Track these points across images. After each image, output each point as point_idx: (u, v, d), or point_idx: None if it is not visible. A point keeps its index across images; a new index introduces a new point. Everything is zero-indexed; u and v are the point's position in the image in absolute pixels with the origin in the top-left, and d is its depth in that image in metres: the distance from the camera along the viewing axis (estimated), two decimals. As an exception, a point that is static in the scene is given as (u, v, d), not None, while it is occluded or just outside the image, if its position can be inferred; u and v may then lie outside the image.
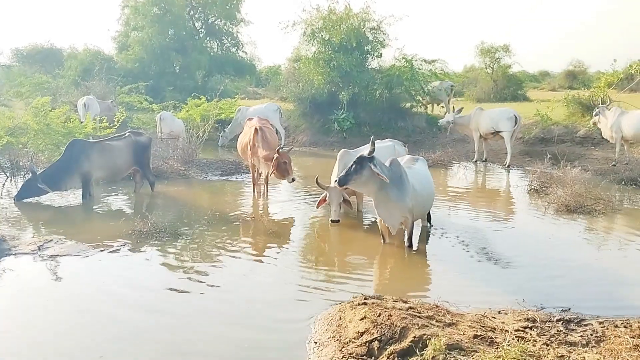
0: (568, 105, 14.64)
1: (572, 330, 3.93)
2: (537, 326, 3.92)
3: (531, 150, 12.98)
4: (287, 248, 6.37)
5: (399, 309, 4.03)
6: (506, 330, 3.79)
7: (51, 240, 6.43)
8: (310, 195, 9.06)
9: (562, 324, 4.01)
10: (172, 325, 4.37)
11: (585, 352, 3.52)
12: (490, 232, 6.96)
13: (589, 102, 13.66)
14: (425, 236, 6.76)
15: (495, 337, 3.65)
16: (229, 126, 15.30)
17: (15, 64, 27.10)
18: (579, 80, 27.04)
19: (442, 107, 17.79)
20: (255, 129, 8.65)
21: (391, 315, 3.85)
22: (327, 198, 7.13)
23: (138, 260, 5.95)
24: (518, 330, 3.83)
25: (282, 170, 8.15)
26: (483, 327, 3.84)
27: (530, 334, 3.76)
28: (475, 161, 12.57)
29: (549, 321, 4.05)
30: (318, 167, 10.88)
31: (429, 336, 3.54)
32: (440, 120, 13.49)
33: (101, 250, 6.11)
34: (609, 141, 11.36)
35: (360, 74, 15.56)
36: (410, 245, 6.11)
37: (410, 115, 16.22)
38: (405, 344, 3.54)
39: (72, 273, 5.54)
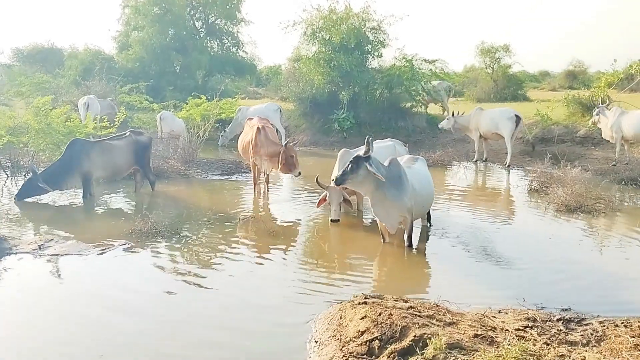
0: (568, 105, 14.64)
1: (573, 329, 3.93)
2: (538, 325, 3.93)
3: (531, 150, 12.97)
4: (287, 247, 6.37)
5: (400, 308, 4.03)
6: (506, 330, 3.79)
7: (52, 239, 6.43)
8: (311, 194, 9.07)
9: (562, 323, 4.01)
10: (172, 324, 4.37)
11: (586, 351, 3.52)
12: (491, 232, 6.97)
13: (589, 102, 13.68)
14: (425, 236, 6.77)
15: (496, 337, 3.65)
16: (230, 126, 15.31)
17: (15, 63, 27.10)
18: (579, 80, 27.06)
19: (441, 107, 17.79)
20: (258, 128, 8.69)
21: (392, 315, 3.86)
22: (327, 197, 7.15)
23: (138, 259, 5.95)
24: (518, 329, 3.83)
25: (289, 164, 8.33)
26: (483, 326, 3.84)
27: (531, 334, 3.76)
28: (476, 161, 12.58)
29: (550, 320, 4.05)
30: (318, 166, 10.88)
31: (429, 335, 3.55)
32: (441, 124, 13.48)
33: (102, 250, 6.11)
34: (609, 141, 11.36)
35: (361, 74, 15.57)
36: (410, 245, 6.12)
37: (410, 115, 16.22)
38: (405, 343, 3.55)
39: (72, 272, 5.55)
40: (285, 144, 8.46)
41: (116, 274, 5.50)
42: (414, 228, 6.21)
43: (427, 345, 3.47)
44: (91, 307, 4.69)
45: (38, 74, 21.59)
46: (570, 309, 4.39)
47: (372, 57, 16.38)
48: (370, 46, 16.07)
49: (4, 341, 4.14)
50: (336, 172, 6.98)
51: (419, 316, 3.90)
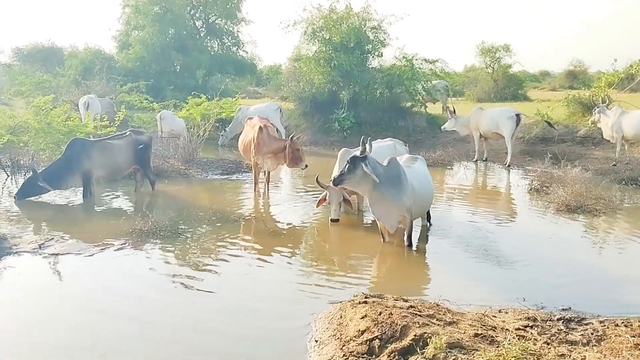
0: (568, 105, 14.64)
1: (573, 329, 3.93)
2: (538, 325, 3.93)
3: (532, 149, 12.97)
4: (287, 247, 6.37)
5: (400, 307, 4.03)
6: (507, 329, 3.79)
7: (52, 238, 6.43)
8: (311, 194, 9.07)
9: (562, 323, 4.01)
10: (172, 324, 4.37)
11: (586, 350, 3.52)
12: (491, 231, 6.96)
13: (589, 102, 13.67)
14: (425, 235, 6.77)
15: (496, 336, 3.65)
16: (230, 125, 15.31)
17: (15, 62, 27.13)
18: (579, 80, 27.07)
19: (443, 106, 17.79)
20: (260, 127, 8.73)
21: (392, 314, 3.86)
22: (327, 197, 7.15)
23: (139, 259, 5.95)
24: (519, 329, 3.83)
25: (296, 158, 8.47)
26: (484, 325, 3.84)
27: (531, 333, 3.76)
28: (476, 161, 12.58)
29: (550, 320, 4.05)
30: (318, 166, 10.86)
31: (429, 335, 3.55)
32: (444, 126, 13.46)
33: (102, 249, 6.12)
34: (609, 141, 11.36)
35: (361, 74, 15.57)
36: (410, 245, 6.12)
37: (410, 115, 16.22)
38: (406, 342, 3.55)
39: (72, 272, 5.55)
40: (291, 138, 8.58)
41: (116, 274, 5.50)
42: (413, 227, 6.21)
43: (427, 345, 3.47)
44: (91, 306, 4.69)
45: (38, 73, 21.60)
46: (570, 308, 4.38)
47: (373, 56, 16.39)
48: (370, 46, 16.07)
49: (3, 340, 4.14)
50: (336, 172, 6.98)
51: (419, 315, 3.90)
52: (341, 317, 4.16)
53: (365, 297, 4.34)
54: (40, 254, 5.92)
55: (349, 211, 7.58)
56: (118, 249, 6.14)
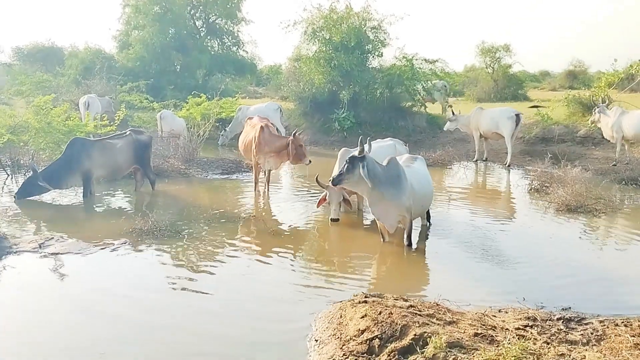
0: (568, 105, 14.65)
1: (573, 329, 3.93)
2: (538, 325, 3.93)
3: (532, 149, 12.98)
4: (287, 247, 6.37)
5: (400, 307, 4.04)
6: (507, 329, 3.79)
7: (52, 238, 6.44)
8: (311, 194, 9.07)
9: (562, 322, 4.01)
10: (172, 324, 4.37)
11: (586, 350, 3.52)
12: (491, 231, 6.96)
13: (589, 102, 13.68)
14: (425, 235, 6.77)
15: (496, 336, 3.65)
16: (230, 125, 15.31)
17: (16, 62, 27.12)
18: (579, 80, 27.04)
19: (443, 106, 17.79)
20: (261, 126, 8.74)
21: (392, 314, 3.86)
22: (327, 197, 7.15)
23: (138, 258, 5.95)
24: (518, 328, 3.83)
25: (299, 153, 8.50)
26: (483, 325, 3.84)
27: (531, 333, 3.76)
28: (476, 160, 12.58)
29: (550, 320, 4.05)
30: (319, 166, 10.86)
31: (429, 334, 3.55)
32: (445, 126, 13.46)
33: (102, 249, 6.12)
34: (609, 141, 11.37)
35: (361, 73, 15.57)
36: (410, 244, 6.12)
37: (410, 115, 16.22)
38: (406, 341, 3.55)
39: (72, 271, 5.55)
40: (294, 134, 8.60)
41: (116, 273, 5.50)
42: (413, 227, 6.21)
43: (427, 344, 3.47)
44: (91, 305, 4.69)
45: (38, 73, 21.61)
46: (570, 308, 4.38)
47: (373, 56, 16.38)
48: (370, 46, 16.07)
49: (4, 339, 4.14)
50: (336, 172, 6.99)
51: (419, 315, 3.90)
52: (341, 316, 4.16)
53: (365, 297, 4.35)
54: (40, 254, 5.92)
55: (349, 211, 7.58)
56: (118, 249, 6.14)
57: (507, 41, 27.06)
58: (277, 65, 32.06)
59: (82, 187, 8.66)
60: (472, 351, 3.39)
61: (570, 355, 3.42)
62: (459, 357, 3.33)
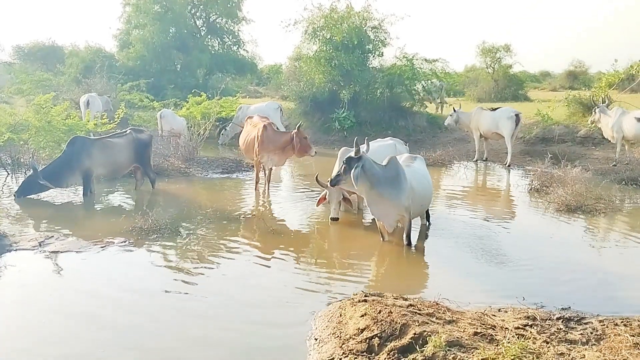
0: (569, 105, 14.65)
1: (572, 328, 3.93)
2: (537, 324, 3.93)
3: (532, 149, 12.98)
4: (287, 246, 6.37)
5: (399, 306, 4.04)
6: (506, 328, 3.80)
7: (52, 236, 6.44)
8: (311, 193, 9.08)
9: (562, 322, 4.01)
10: (174, 320, 4.37)
11: (585, 350, 3.53)
12: (491, 231, 6.97)
13: (589, 102, 13.68)
14: (425, 234, 6.77)
15: (496, 335, 3.66)
16: (230, 124, 15.31)
17: (16, 61, 27.12)
18: (579, 80, 27.08)
19: (436, 106, 17.86)
20: (264, 125, 8.77)
21: (391, 312, 3.86)
22: (327, 196, 7.15)
23: (138, 257, 5.95)
24: (518, 328, 3.83)
25: (304, 145, 8.57)
26: (483, 324, 3.84)
27: (531, 332, 3.76)
28: (476, 160, 12.58)
29: (549, 319, 4.05)
30: (319, 165, 10.88)
31: (429, 333, 3.55)
32: (446, 121, 13.48)
33: (102, 247, 6.12)
34: (609, 141, 11.37)
35: (361, 73, 15.57)
36: (409, 244, 6.12)
37: (411, 115, 16.23)
38: (405, 340, 3.55)
39: (72, 269, 5.55)
40: (298, 127, 8.69)
41: (116, 272, 5.50)
42: (412, 227, 6.21)
43: (426, 343, 3.47)
44: (91, 304, 4.69)
45: (39, 72, 21.62)
46: (570, 307, 4.38)
47: (373, 56, 16.39)
48: (371, 45, 16.08)
49: (4, 338, 4.15)
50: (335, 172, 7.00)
51: (419, 314, 3.91)
52: (341, 315, 4.17)
53: (365, 296, 4.35)
54: (41, 252, 5.93)
55: (349, 210, 7.58)
56: (118, 247, 6.14)
57: (508, 41, 27.09)
58: (277, 65, 32.14)
59: (82, 186, 8.66)
60: (472, 350, 3.39)
61: (569, 355, 3.42)
62: (459, 356, 3.33)
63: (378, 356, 3.54)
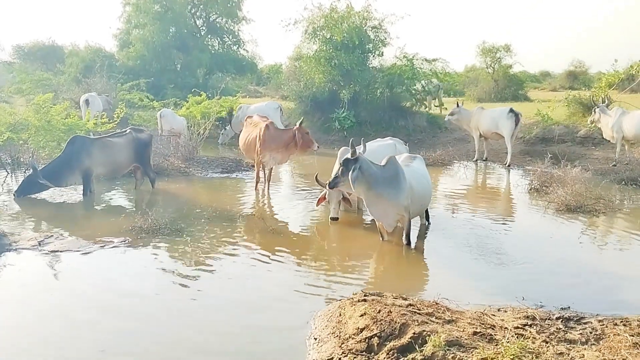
0: (569, 105, 14.64)
1: (572, 328, 3.93)
2: (537, 324, 3.93)
3: (532, 149, 12.97)
4: (286, 245, 6.37)
5: (399, 305, 4.04)
6: (506, 328, 3.79)
7: (51, 235, 6.44)
8: (310, 193, 9.07)
9: (561, 322, 4.01)
10: (172, 322, 4.37)
11: (585, 349, 3.53)
12: (491, 231, 6.97)
13: (589, 102, 13.67)
14: (424, 234, 6.77)
15: (495, 334, 3.66)
16: (230, 124, 15.31)
17: (16, 60, 27.12)
18: (579, 80, 27.05)
19: (435, 105, 17.86)
20: (266, 125, 8.78)
21: (391, 312, 3.86)
22: (326, 196, 7.15)
23: (138, 256, 5.95)
24: (517, 327, 3.83)
25: (307, 140, 8.63)
26: (483, 324, 3.84)
27: (530, 332, 3.76)
28: (476, 160, 12.58)
29: (549, 319, 4.05)
30: (319, 165, 10.88)
31: (428, 332, 3.55)
32: (446, 117, 13.49)
33: (101, 246, 6.12)
34: (609, 141, 11.37)
35: (362, 73, 15.56)
36: (409, 243, 6.12)
37: (411, 114, 16.22)
38: (404, 340, 3.55)
39: (72, 269, 5.55)
40: (300, 124, 8.73)
41: (116, 271, 5.51)
42: (412, 226, 6.21)
43: (426, 343, 3.47)
44: (91, 303, 4.69)
45: (39, 72, 21.62)
46: (569, 307, 4.38)
47: (373, 56, 16.38)
48: (371, 45, 16.07)
49: (3, 337, 4.15)
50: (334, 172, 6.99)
51: (418, 314, 3.90)
52: (340, 315, 4.16)
53: (365, 295, 4.35)
54: (40, 251, 5.93)
55: (349, 210, 7.58)
56: (118, 247, 6.14)
57: (508, 41, 27.02)
58: (277, 65, 32.13)
59: (82, 185, 8.66)
60: (471, 350, 3.39)
61: (569, 354, 3.42)
62: (458, 356, 3.33)
63: (377, 356, 3.54)
